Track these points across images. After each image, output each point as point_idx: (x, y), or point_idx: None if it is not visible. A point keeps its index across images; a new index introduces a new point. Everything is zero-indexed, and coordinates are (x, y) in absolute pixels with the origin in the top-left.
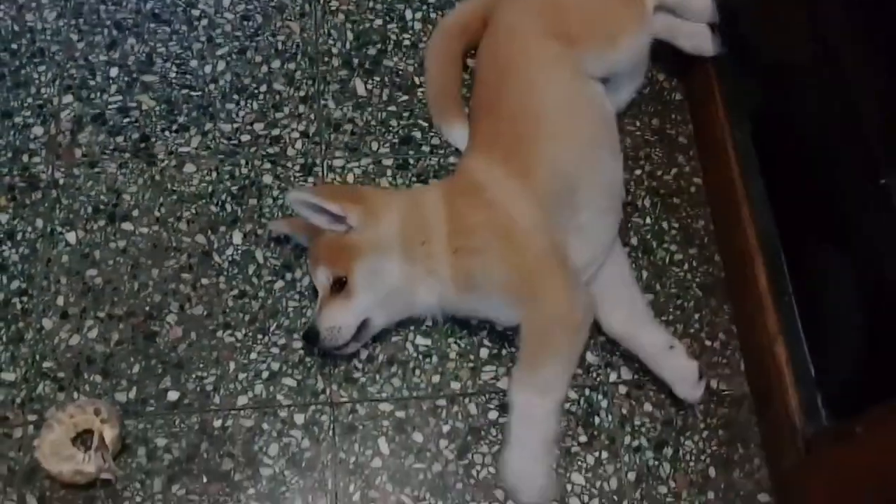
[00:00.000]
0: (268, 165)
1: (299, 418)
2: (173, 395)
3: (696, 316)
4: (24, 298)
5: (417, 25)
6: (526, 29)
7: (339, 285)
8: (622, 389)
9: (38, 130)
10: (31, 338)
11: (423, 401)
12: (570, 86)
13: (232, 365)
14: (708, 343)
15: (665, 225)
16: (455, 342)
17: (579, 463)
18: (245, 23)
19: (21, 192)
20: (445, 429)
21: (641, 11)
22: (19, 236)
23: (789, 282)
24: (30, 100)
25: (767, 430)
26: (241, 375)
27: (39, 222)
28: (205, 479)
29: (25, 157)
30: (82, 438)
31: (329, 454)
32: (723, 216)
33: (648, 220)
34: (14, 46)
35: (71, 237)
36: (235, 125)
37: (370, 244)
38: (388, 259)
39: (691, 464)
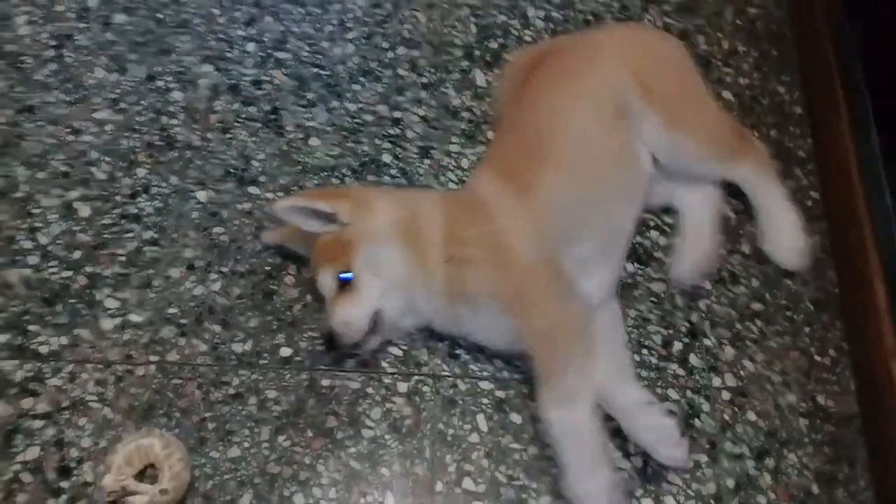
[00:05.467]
0: (388, 145)
1: (402, 387)
2: (286, 352)
3: (807, 330)
4: (155, 248)
5: (539, 23)
6: (608, 55)
7: (344, 282)
8: (725, 395)
9: (177, 95)
10: (158, 285)
11: (523, 385)
12: (602, 125)
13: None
14: (818, 358)
15: None
16: None
17: None
18: (375, 10)
19: (158, 150)
20: None
21: (734, 145)
22: (154, 190)
23: None
24: (172, 66)
25: (875, 450)
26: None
27: (174, 179)
28: (309, 434)
29: (165, 119)
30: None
31: (428, 424)
32: (841, 233)
33: None
34: (160, 16)
35: (202, 195)
36: (360, 105)
37: (366, 233)
38: (386, 245)
39: (793, 477)
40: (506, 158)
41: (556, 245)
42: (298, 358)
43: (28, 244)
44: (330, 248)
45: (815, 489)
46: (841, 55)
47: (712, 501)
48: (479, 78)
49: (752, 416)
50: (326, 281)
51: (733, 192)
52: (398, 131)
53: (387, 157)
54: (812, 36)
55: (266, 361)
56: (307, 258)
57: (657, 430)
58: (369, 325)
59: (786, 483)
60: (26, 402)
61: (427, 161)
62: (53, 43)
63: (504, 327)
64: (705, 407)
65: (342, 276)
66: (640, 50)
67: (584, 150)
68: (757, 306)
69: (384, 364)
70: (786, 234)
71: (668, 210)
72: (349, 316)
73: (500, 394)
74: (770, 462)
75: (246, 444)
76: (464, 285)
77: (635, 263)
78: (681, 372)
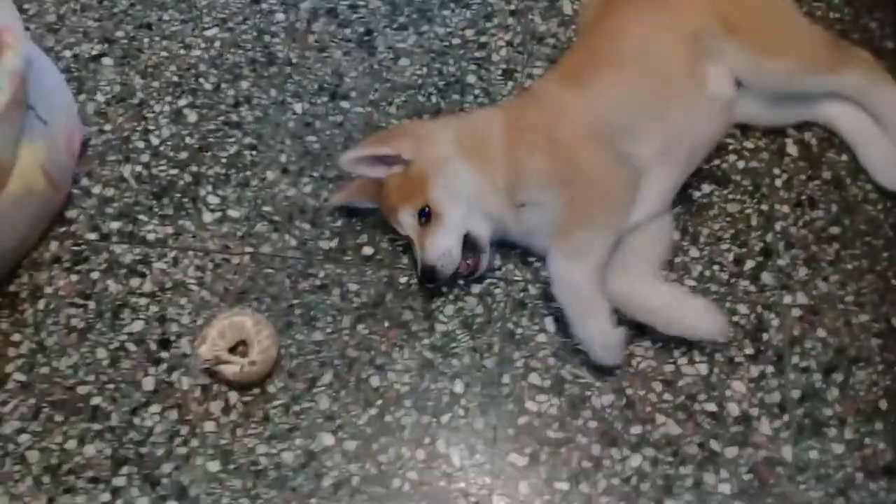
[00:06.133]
0: (473, 67)
1: (475, 288)
2: (368, 250)
3: (885, 255)
4: (254, 152)
5: None
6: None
7: (426, 217)
8: (796, 312)
9: (280, 17)
10: (255, 185)
11: None
12: (668, 42)
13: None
14: (894, 282)
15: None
16: None
17: (741, 372)
18: None
19: (260, 65)
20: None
21: (832, 56)
22: (255, 101)
23: None
24: None
25: None
26: None
27: (273, 92)
28: (386, 324)
29: (267, 38)
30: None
31: (499, 323)
32: None
33: (845, 157)
34: None
35: (298, 107)
36: (448, 29)
37: (433, 162)
38: (453, 166)
39: (861, 393)
40: (569, 64)
41: (612, 138)
42: (379, 257)
43: (140, 144)
44: (403, 189)
45: (883, 405)
46: None
47: (777, 410)
48: (567, 6)
49: (822, 332)
50: (407, 220)
51: (803, 123)
52: (484, 54)
53: (471, 79)
54: None
55: (350, 258)
56: (377, 210)
57: (693, 309)
58: (462, 249)
59: (853, 398)
60: (134, 282)
61: (510, 83)
62: None
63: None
64: (774, 322)
65: (423, 211)
66: None
67: (644, 58)
68: (834, 230)
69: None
70: (885, 151)
71: (749, 133)
72: (442, 247)
73: None
74: (838, 377)
75: (328, 330)
76: (521, 170)
77: (712, 184)
78: (752, 288)
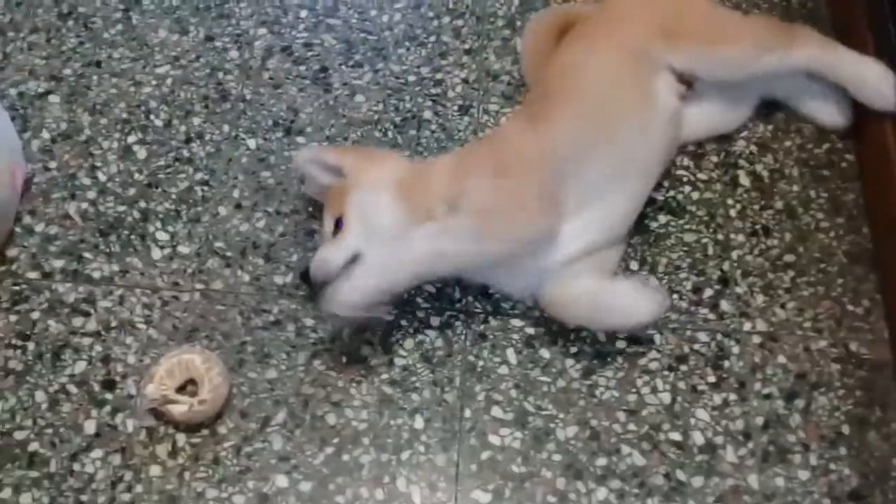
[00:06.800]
0: (429, 103)
1: (435, 321)
2: None
3: (840, 281)
4: (206, 188)
5: None
6: (627, 16)
7: (339, 226)
8: (756, 339)
9: (233, 54)
10: (206, 220)
11: (554, 322)
12: (614, 66)
13: None
14: (850, 308)
15: (813, 193)
16: None
17: (705, 400)
18: None
19: (213, 102)
20: (573, 350)
21: (781, 34)
22: (207, 137)
23: None
24: (230, 29)
25: None
26: None
27: (226, 128)
28: (344, 360)
29: (220, 75)
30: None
31: (459, 356)
32: (876, 189)
33: (795, 188)
34: None
35: (251, 143)
36: (404, 67)
37: (360, 182)
38: (375, 194)
39: (823, 418)
40: (528, 104)
41: (564, 166)
42: None
43: (87, 181)
44: (334, 196)
45: (845, 430)
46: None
47: (741, 437)
48: (521, 45)
49: (782, 359)
50: (326, 225)
51: (763, 148)
52: (440, 91)
53: (428, 114)
54: (846, 11)
55: (305, 293)
56: None
57: (626, 290)
58: (342, 266)
59: (816, 423)
60: (77, 321)
61: (467, 118)
62: (122, 7)
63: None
64: (735, 350)
65: (338, 221)
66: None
67: (592, 86)
68: (789, 258)
69: (418, 300)
70: (872, 76)
71: (701, 165)
72: (328, 254)
73: (531, 330)
74: (800, 403)
75: (283, 367)
76: (461, 192)
77: (668, 215)
78: (711, 316)
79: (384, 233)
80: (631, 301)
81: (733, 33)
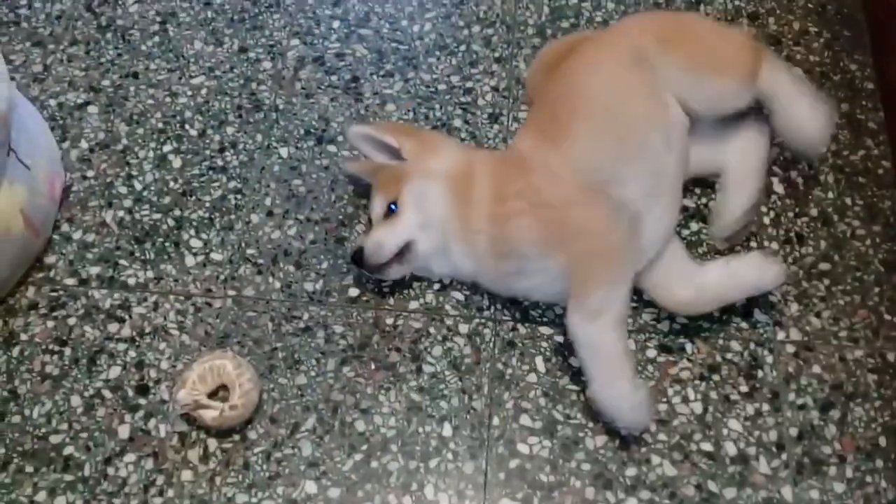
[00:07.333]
0: (459, 111)
1: (464, 328)
2: (354, 292)
3: (876, 290)
4: (238, 196)
5: (610, 5)
6: (630, 31)
7: (391, 211)
8: (790, 349)
9: (266, 65)
10: (239, 228)
11: None
12: (622, 74)
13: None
14: (887, 317)
15: (848, 201)
16: None
17: (738, 411)
18: None
19: (246, 111)
20: None
21: (753, 69)
22: (240, 146)
23: None
24: (263, 40)
25: None
26: (416, 283)
27: (259, 137)
28: (372, 366)
29: (254, 85)
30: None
31: (488, 363)
32: None
33: (831, 195)
34: None
35: (283, 152)
36: (434, 76)
37: (419, 171)
38: (433, 185)
39: (860, 430)
40: (541, 118)
41: (601, 189)
42: (365, 298)
43: (123, 189)
44: (388, 178)
45: (882, 441)
46: None
47: (775, 448)
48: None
49: (817, 369)
50: (378, 206)
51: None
52: (469, 99)
53: (458, 122)
54: (884, 17)
55: (335, 299)
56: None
57: (752, 263)
58: (397, 253)
59: (852, 434)
60: (112, 327)
61: (496, 126)
62: (159, 19)
63: (552, 277)
64: (769, 359)
65: (392, 205)
66: (656, 15)
67: (608, 97)
68: (824, 266)
69: (447, 307)
70: (802, 118)
71: None
72: (382, 239)
73: (559, 338)
74: (835, 414)
75: (312, 373)
76: (509, 240)
77: (699, 222)
78: (744, 325)
79: (439, 225)
80: (757, 273)
81: (714, 60)
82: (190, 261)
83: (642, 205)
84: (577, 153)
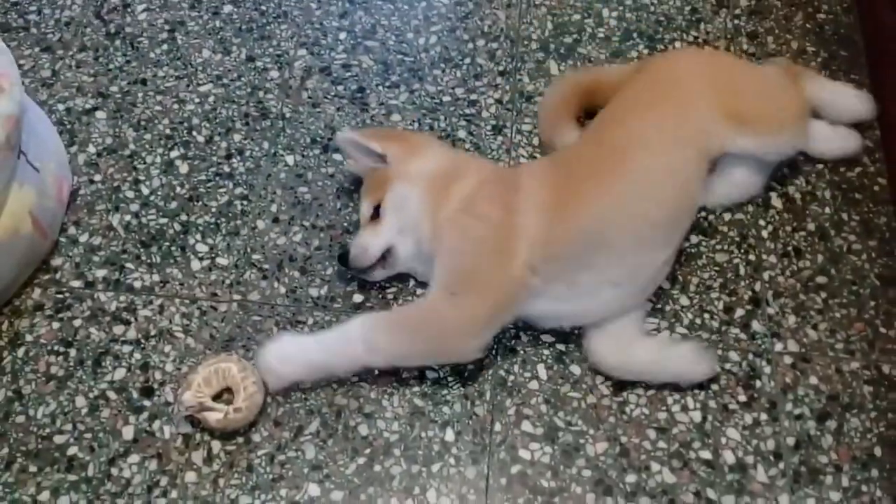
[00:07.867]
0: (463, 123)
1: None
2: (358, 298)
3: (872, 303)
4: (244, 202)
5: (613, 22)
6: (693, 87)
7: (377, 213)
8: (787, 360)
9: (274, 74)
10: (245, 233)
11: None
12: (673, 162)
13: (412, 281)
14: (882, 330)
15: (845, 216)
16: None
17: (736, 420)
18: (458, 7)
19: (253, 119)
20: None
21: (805, 108)
22: (247, 153)
23: None
24: (270, 50)
25: None
26: (419, 290)
27: (265, 144)
28: (376, 371)
29: (261, 94)
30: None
31: (490, 370)
32: None
33: (828, 210)
34: (263, 8)
35: (290, 159)
36: (439, 88)
37: (401, 174)
38: (413, 189)
39: (856, 440)
40: (567, 161)
41: (558, 269)
42: (369, 304)
43: (130, 194)
44: (374, 182)
45: (878, 452)
46: None
47: (772, 457)
48: (553, 67)
49: (814, 379)
50: (364, 209)
51: (795, 171)
52: (473, 111)
53: (462, 133)
54: (880, 38)
55: (339, 305)
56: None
57: (684, 354)
58: (379, 256)
59: (848, 445)
60: (118, 329)
61: (500, 138)
62: (167, 28)
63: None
64: (766, 370)
65: (377, 208)
66: (718, 77)
67: (642, 186)
68: (821, 279)
69: None
70: (847, 94)
71: None
72: (367, 243)
73: (561, 346)
74: (831, 424)
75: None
76: (440, 238)
77: (699, 235)
78: (742, 336)
79: (412, 229)
80: (687, 365)
81: (788, 111)
82: (196, 265)
83: (591, 288)
84: (570, 229)
